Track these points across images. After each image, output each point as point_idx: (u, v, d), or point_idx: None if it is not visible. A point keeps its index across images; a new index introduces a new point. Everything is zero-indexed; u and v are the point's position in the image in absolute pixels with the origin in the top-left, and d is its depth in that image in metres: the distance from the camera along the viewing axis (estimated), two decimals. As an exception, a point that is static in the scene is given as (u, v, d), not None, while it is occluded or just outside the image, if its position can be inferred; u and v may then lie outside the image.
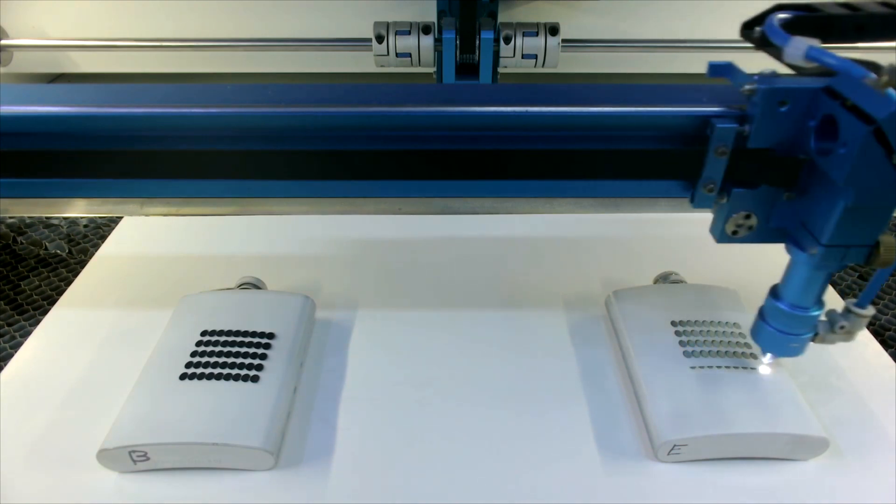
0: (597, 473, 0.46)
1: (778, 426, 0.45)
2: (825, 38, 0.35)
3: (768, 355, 0.48)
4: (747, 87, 0.35)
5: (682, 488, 0.45)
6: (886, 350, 0.57)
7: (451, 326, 0.59)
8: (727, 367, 0.50)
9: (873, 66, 0.31)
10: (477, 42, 0.86)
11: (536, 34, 0.87)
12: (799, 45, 0.33)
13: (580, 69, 1.02)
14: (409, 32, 0.87)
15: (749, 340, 0.50)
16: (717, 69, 0.37)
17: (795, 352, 0.43)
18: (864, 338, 0.59)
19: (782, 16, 0.36)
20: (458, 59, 0.87)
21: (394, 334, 0.58)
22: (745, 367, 0.49)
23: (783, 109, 0.35)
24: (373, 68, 0.92)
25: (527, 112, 0.39)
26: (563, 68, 0.92)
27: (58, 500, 0.44)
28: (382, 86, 0.41)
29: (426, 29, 0.87)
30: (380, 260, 0.68)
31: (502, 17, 0.93)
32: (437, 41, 0.87)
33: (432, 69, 0.92)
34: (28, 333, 0.58)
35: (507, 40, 0.87)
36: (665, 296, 0.58)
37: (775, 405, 0.47)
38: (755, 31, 0.37)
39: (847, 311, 0.39)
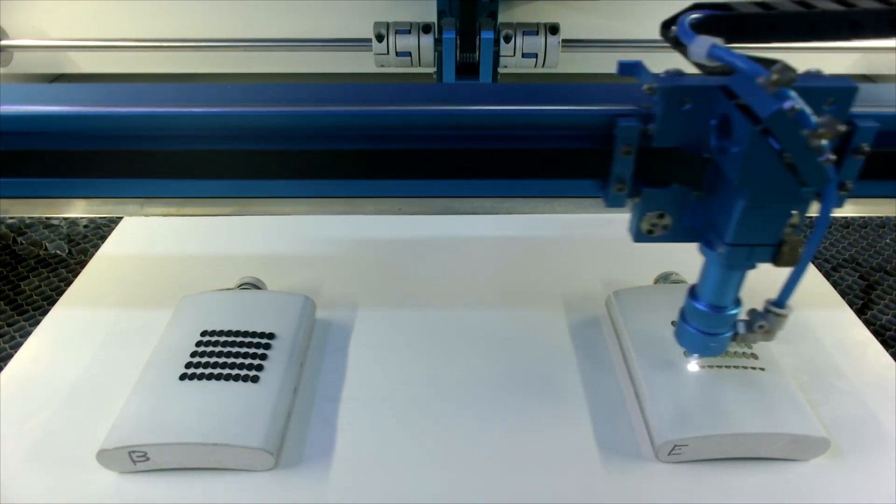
0: (597, 473, 0.46)
1: (778, 426, 0.45)
2: (739, 38, 0.34)
3: (694, 355, 0.49)
4: (649, 85, 0.35)
5: (682, 488, 0.45)
6: (887, 350, 0.57)
7: (451, 326, 0.59)
8: (727, 367, 0.50)
9: (770, 65, 0.30)
10: (477, 42, 0.86)
11: (536, 33, 0.87)
12: (702, 44, 0.33)
13: (580, 69, 1.02)
14: (409, 32, 0.87)
15: (749, 340, 0.50)
16: (626, 68, 0.36)
17: (716, 351, 0.43)
18: (865, 338, 0.59)
19: (696, 15, 0.36)
20: (458, 58, 0.87)
21: (394, 334, 0.58)
22: (745, 367, 0.49)
23: (685, 108, 0.35)
24: (373, 68, 0.93)
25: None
26: (563, 68, 0.92)
27: (58, 500, 0.44)
28: (382, 86, 0.41)
29: (426, 28, 0.87)
30: (380, 260, 0.68)
31: (502, 17, 0.94)
32: (437, 41, 0.87)
33: (432, 69, 0.92)
34: (28, 333, 0.58)
35: (508, 39, 0.87)
36: (665, 296, 0.58)
37: (776, 405, 0.47)
38: (671, 31, 0.36)
39: (766, 310, 0.39)
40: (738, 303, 0.41)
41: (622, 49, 0.97)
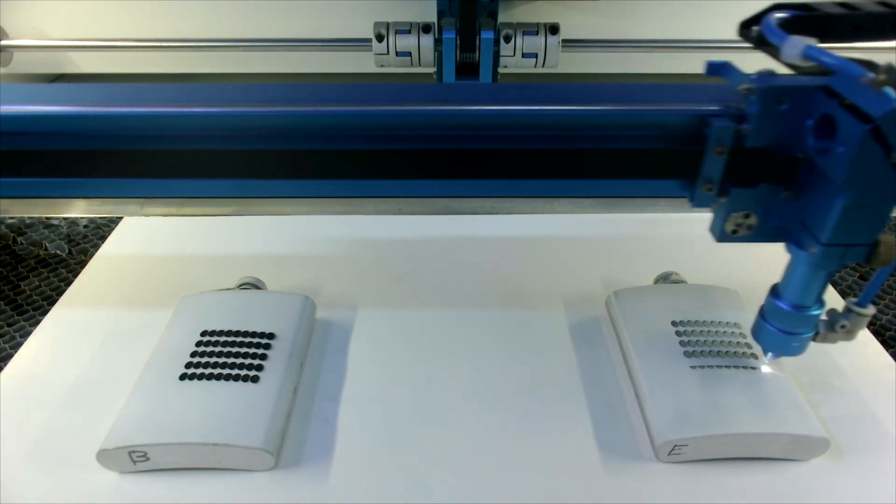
0: (597, 473, 0.46)
1: (778, 426, 0.45)
2: (823, 38, 0.34)
3: (769, 354, 0.48)
4: (745, 86, 0.35)
5: (682, 488, 0.45)
6: (887, 350, 0.57)
7: (451, 326, 0.59)
8: (727, 366, 0.50)
9: (870, 66, 0.31)
10: (477, 42, 0.86)
11: (536, 33, 0.87)
12: (796, 45, 0.33)
13: (580, 69, 1.02)
14: (409, 32, 0.87)
15: (749, 340, 0.50)
16: (715, 68, 0.37)
17: (796, 351, 0.43)
18: (865, 338, 0.59)
19: (779, 15, 0.36)
20: (458, 58, 0.87)
21: (394, 334, 0.58)
22: (745, 367, 0.49)
23: (781, 108, 0.35)
24: (373, 68, 0.92)
25: (524, 111, 0.39)
26: (563, 68, 0.92)
27: (58, 500, 0.44)
28: (382, 86, 0.41)
29: (426, 28, 0.87)
30: (380, 260, 0.68)
31: (502, 17, 0.93)
32: (437, 41, 0.87)
33: (432, 69, 0.92)
34: (28, 333, 0.58)
35: (508, 39, 0.87)
36: (665, 296, 0.58)
37: (776, 405, 0.47)
38: (753, 31, 0.37)
39: (848, 310, 0.39)
40: (821, 303, 0.41)
41: (622, 49, 0.97)
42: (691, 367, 0.50)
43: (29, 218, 0.79)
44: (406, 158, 0.40)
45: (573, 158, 0.40)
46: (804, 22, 0.36)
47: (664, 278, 0.62)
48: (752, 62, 0.38)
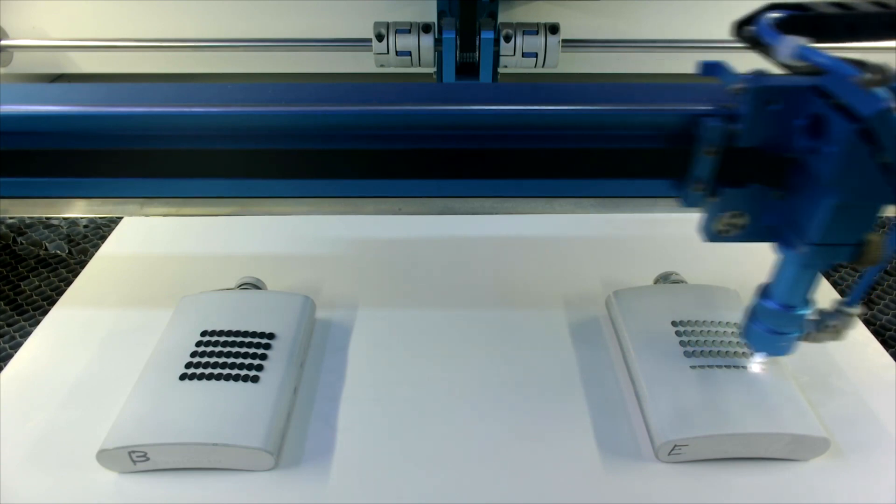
0: (597, 473, 0.46)
1: (779, 426, 0.45)
2: (817, 38, 0.35)
3: (759, 354, 0.49)
4: (737, 85, 0.35)
5: (682, 488, 0.45)
6: (887, 350, 0.57)
7: (451, 326, 0.59)
8: (727, 367, 0.50)
9: (862, 66, 0.31)
10: (477, 42, 0.86)
11: (536, 33, 0.87)
12: (789, 44, 0.33)
13: (580, 69, 1.02)
14: (409, 32, 0.87)
15: (749, 340, 0.50)
16: (709, 68, 0.37)
17: (784, 350, 0.43)
18: (865, 338, 0.59)
19: (774, 15, 0.36)
20: (458, 58, 0.87)
21: (394, 334, 0.58)
22: (745, 367, 0.49)
23: (772, 108, 0.35)
24: (373, 68, 0.92)
25: (516, 111, 0.39)
26: (563, 68, 0.92)
27: (58, 500, 0.44)
28: (382, 85, 0.41)
29: (426, 28, 0.87)
30: (380, 260, 0.68)
31: (502, 17, 0.93)
32: (437, 41, 0.87)
33: (432, 69, 0.92)
34: (28, 333, 0.58)
35: (508, 39, 0.87)
36: (665, 296, 0.58)
37: (776, 405, 0.47)
38: (747, 31, 0.37)
39: (837, 310, 0.39)
40: (809, 302, 0.41)
41: (622, 49, 0.97)
42: (691, 367, 0.50)
43: (29, 218, 0.79)
44: (406, 158, 0.40)
45: (565, 158, 0.40)
46: (799, 22, 0.36)
47: (664, 278, 0.62)
48: (751, 62, 0.38)
